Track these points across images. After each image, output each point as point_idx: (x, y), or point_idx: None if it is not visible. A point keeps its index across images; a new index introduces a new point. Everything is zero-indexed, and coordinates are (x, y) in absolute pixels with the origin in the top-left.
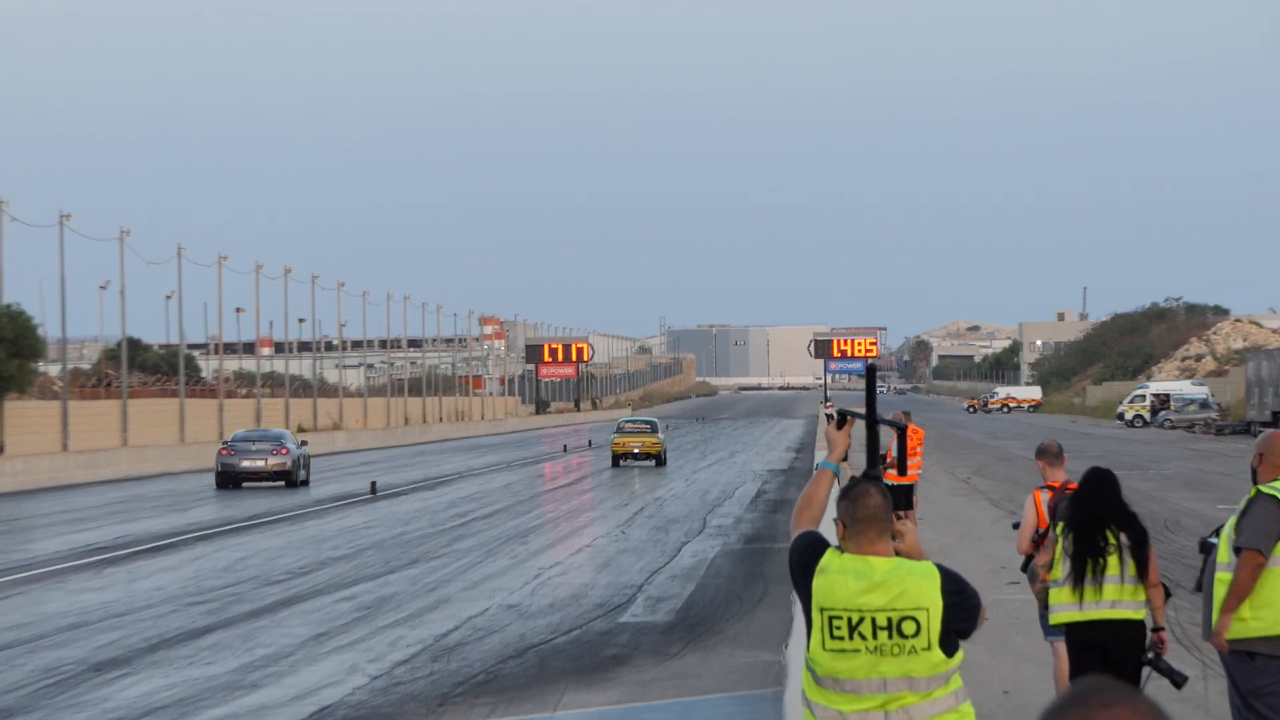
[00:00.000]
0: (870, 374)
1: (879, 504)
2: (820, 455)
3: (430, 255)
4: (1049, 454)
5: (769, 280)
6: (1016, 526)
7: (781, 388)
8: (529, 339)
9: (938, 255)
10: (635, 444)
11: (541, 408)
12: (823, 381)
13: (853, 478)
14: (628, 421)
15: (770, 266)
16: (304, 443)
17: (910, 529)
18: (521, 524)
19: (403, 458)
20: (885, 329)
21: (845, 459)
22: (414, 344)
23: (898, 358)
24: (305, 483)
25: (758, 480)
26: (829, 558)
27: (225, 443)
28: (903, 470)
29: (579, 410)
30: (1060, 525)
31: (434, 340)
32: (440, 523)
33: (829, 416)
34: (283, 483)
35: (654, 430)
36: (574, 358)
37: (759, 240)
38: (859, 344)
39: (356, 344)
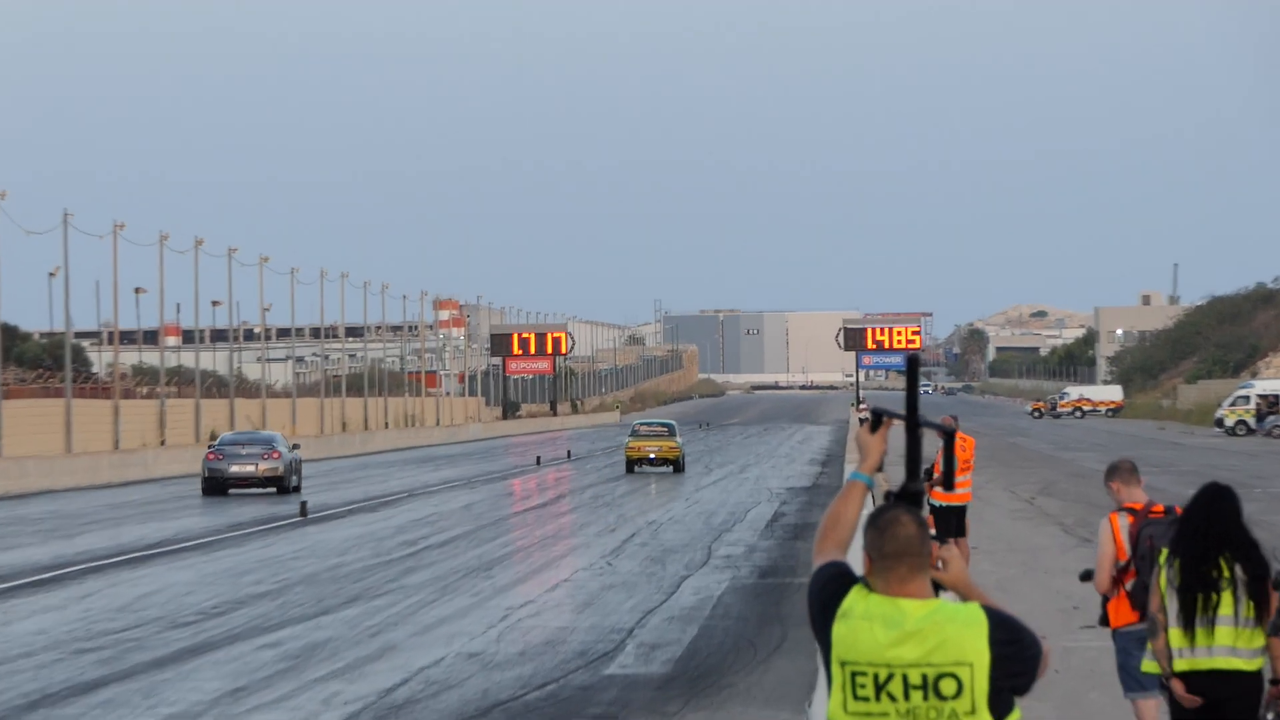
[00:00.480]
0: (912, 367)
1: (912, 535)
2: (851, 465)
3: (379, 231)
4: (1122, 472)
5: (788, 258)
6: (1086, 577)
7: (804, 387)
8: (495, 327)
9: (994, 226)
10: (651, 448)
11: (510, 411)
12: (854, 379)
13: (888, 494)
14: (643, 424)
15: (789, 241)
16: (296, 445)
17: (956, 557)
18: (485, 553)
19: (340, 472)
20: (930, 315)
21: (880, 470)
22: (354, 333)
23: (945, 350)
24: (298, 489)
25: (775, 500)
26: (853, 599)
27: (212, 446)
28: (951, 487)
29: (555, 414)
30: (1164, 552)
31: (378, 328)
32: (386, 552)
33: (862, 420)
34: (274, 489)
35: (672, 433)
36: (549, 349)
37: (775, 212)
38: (898, 333)
39: (284, 332)
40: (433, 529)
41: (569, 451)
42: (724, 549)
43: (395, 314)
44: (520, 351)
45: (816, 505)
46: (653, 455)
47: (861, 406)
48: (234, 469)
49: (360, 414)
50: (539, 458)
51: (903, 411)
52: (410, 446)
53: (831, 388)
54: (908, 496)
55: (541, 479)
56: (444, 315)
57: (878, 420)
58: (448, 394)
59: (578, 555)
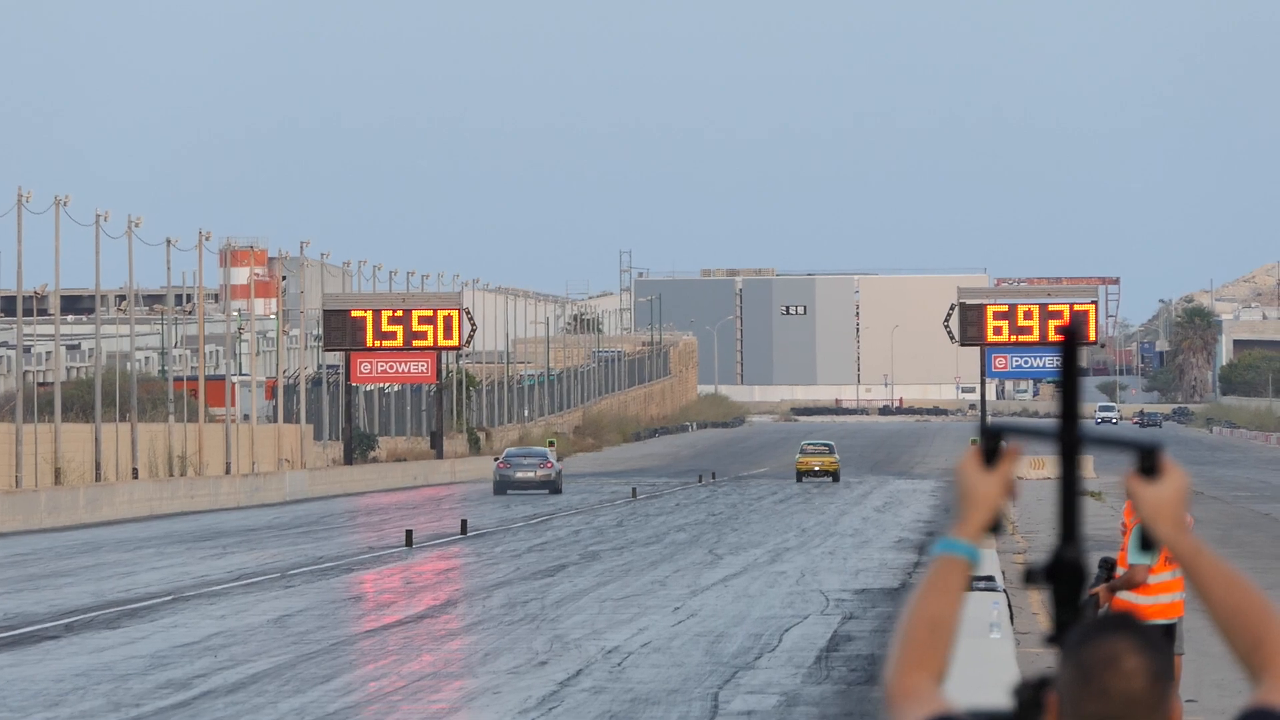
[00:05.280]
0: (1072, 342)
1: (1139, 690)
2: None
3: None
4: None
5: (856, 194)
6: None
7: (889, 409)
8: (331, 298)
9: (1215, 136)
10: (816, 463)
11: (359, 449)
12: (978, 394)
13: (1030, 573)
14: (810, 443)
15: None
16: (560, 457)
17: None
18: (311, 708)
19: (48, 557)
20: (1117, 281)
21: (996, 531)
22: (74, 305)
23: (1142, 345)
24: (559, 491)
25: (833, 612)
26: None
27: (499, 458)
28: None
29: (441, 455)
30: None
31: (118, 300)
32: (132, 702)
33: (981, 443)
34: (547, 490)
35: (832, 451)
36: (434, 338)
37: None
38: (1057, 312)
39: None
40: (217, 661)
41: (464, 522)
42: (740, 701)
43: (150, 270)
44: (377, 343)
45: None
46: (817, 468)
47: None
48: (518, 475)
49: (87, 452)
50: (409, 533)
51: (1047, 422)
52: (179, 513)
53: (938, 411)
54: (1065, 578)
55: (414, 572)
56: (240, 276)
57: (996, 445)
58: (247, 418)
59: (477, 713)
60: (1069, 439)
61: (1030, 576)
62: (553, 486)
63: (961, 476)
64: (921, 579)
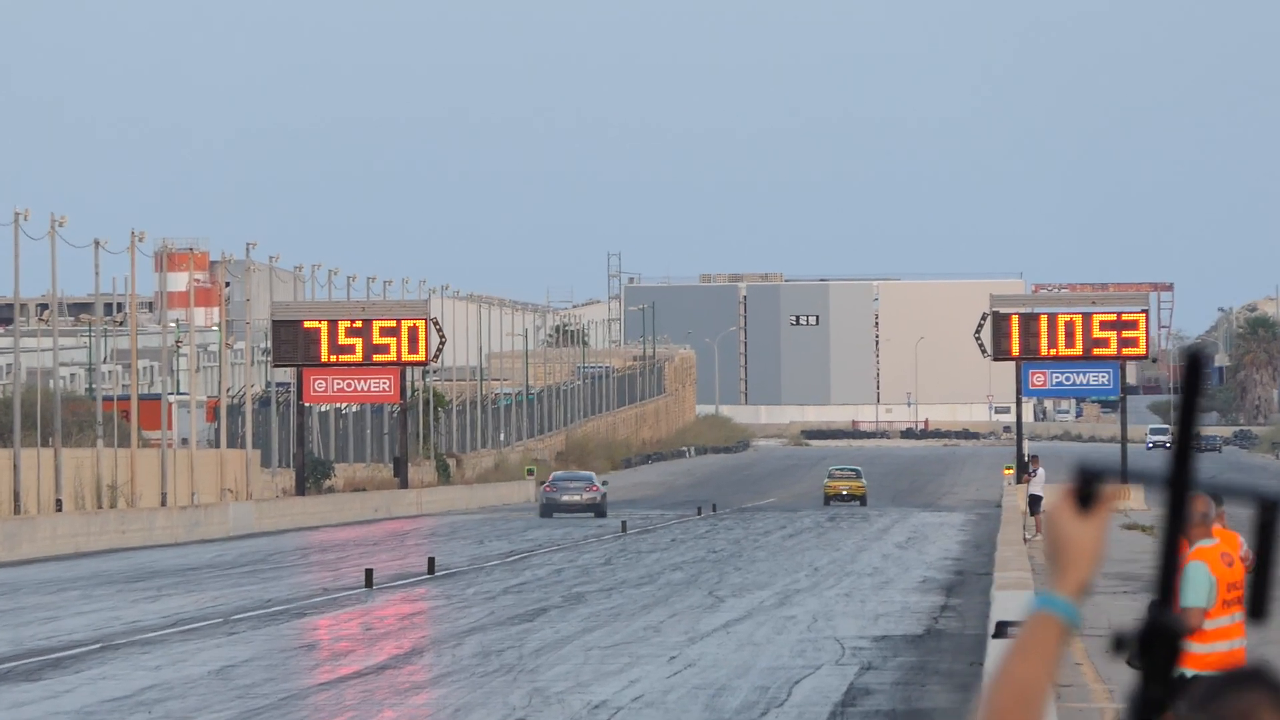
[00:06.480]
0: (1195, 367)
1: None
2: (1024, 587)
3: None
4: None
5: (874, 200)
6: None
7: (912, 430)
8: (281, 307)
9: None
10: (844, 487)
11: (313, 478)
12: (1014, 414)
13: (1119, 639)
14: (837, 468)
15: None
16: (605, 481)
17: None
18: None
19: None
20: (1170, 288)
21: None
22: None
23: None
24: (604, 514)
25: (848, 662)
26: None
27: (545, 482)
28: (1261, 614)
29: (406, 485)
30: None
31: (40, 310)
32: None
33: (1075, 492)
34: (593, 513)
35: (859, 476)
36: (397, 352)
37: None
38: (1103, 324)
39: None
40: (151, 717)
41: (431, 560)
42: None
43: (77, 276)
44: (333, 357)
45: (934, 676)
46: (845, 492)
47: (1029, 476)
48: (564, 498)
49: (4, 481)
50: (369, 573)
51: (1155, 463)
52: (108, 549)
53: (968, 435)
54: (1163, 647)
55: (374, 616)
56: (178, 282)
57: (1091, 489)
58: (185, 443)
59: None
60: (1181, 483)
61: (1119, 644)
62: (598, 510)
63: (1056, 525)
64: (1013, 639)
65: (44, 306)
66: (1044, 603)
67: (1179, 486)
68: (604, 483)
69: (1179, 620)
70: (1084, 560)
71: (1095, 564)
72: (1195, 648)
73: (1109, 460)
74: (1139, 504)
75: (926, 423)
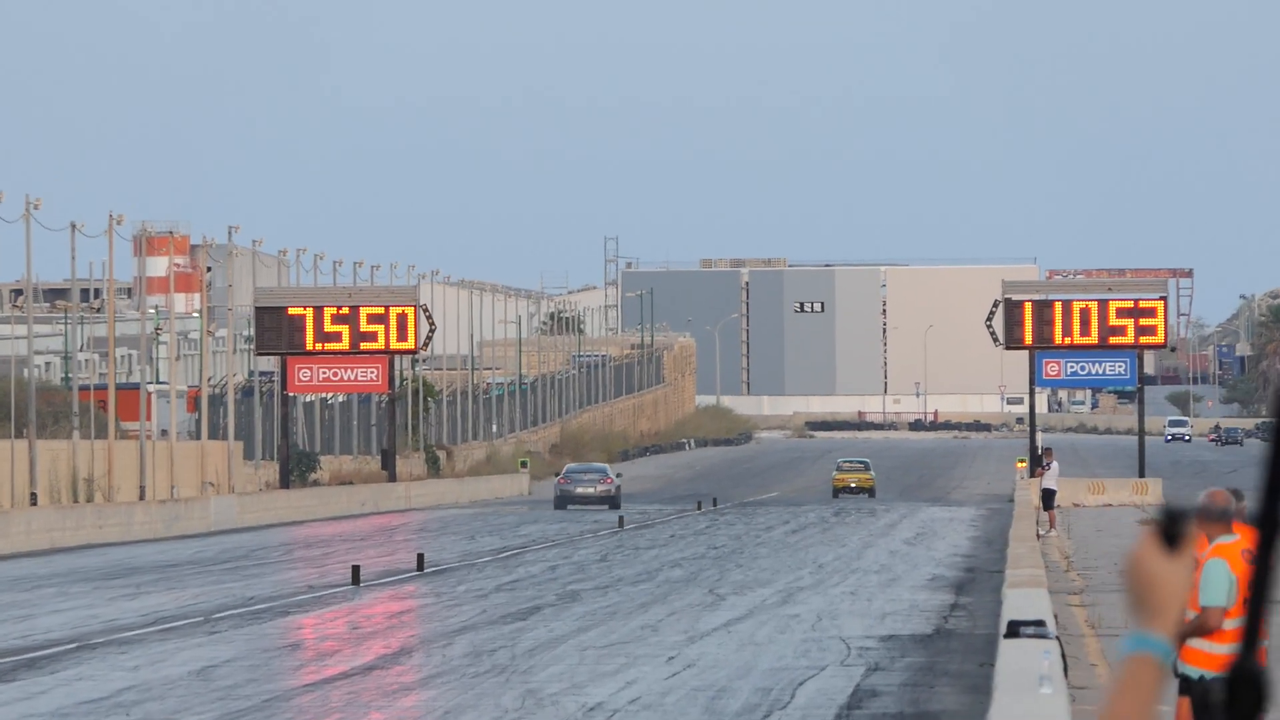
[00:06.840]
0: None
1: None
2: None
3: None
4: None
5: (880, 179)
6: None
7: (921, 422)
8: (265, 293)
9: None
10: (852, 479)
11: (298, 471)
12: (1027, 404)
13: (1186, 680)
14: (845, 461)
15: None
16: (619, 474)
17: None
18: None
19: None
20: (1190, 273)
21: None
22: None
23: (1219, 347)
24: (618, 506)
25: (854, 662)
26: None
27: (559, 474)
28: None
29: (394, 478)
30: None
31: (14, 295)
32: None
33: (1161, 531)
34: (607, 506)
35: (868, 468)
36: (386, 339)
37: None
38: (1119, 312)
39: None
40: None
41: (420, 556)
42: None
43: (50, 262)
44: (319, 345)
45: (944, 677)
46: (853, 485)
47: (1042, 469)
48: (578, 490)
49: None
50: (356, 569)
51: (1235, 504)
52: (85, 545)
53: (980, 426)
54: (1248, 694)
55: (361, 614)
56: (158, 268)
57: (1178, 529)
58: (165, 434)
59: None
60: (1271, 519)
61: (1190, 686)
62: (612, 502)
63: (1143, 567)
64: (1111, 683)
65: (18, 292)
66: (1139, 644)
67: (1269, 525)
68: (618, 475)
69: (1265, 671)
70: (1175, 600)
71: (1184, 605)
72: (1214, 648)
73: (1191, 500)
74: (1156, 497)
75: (936, 414)
